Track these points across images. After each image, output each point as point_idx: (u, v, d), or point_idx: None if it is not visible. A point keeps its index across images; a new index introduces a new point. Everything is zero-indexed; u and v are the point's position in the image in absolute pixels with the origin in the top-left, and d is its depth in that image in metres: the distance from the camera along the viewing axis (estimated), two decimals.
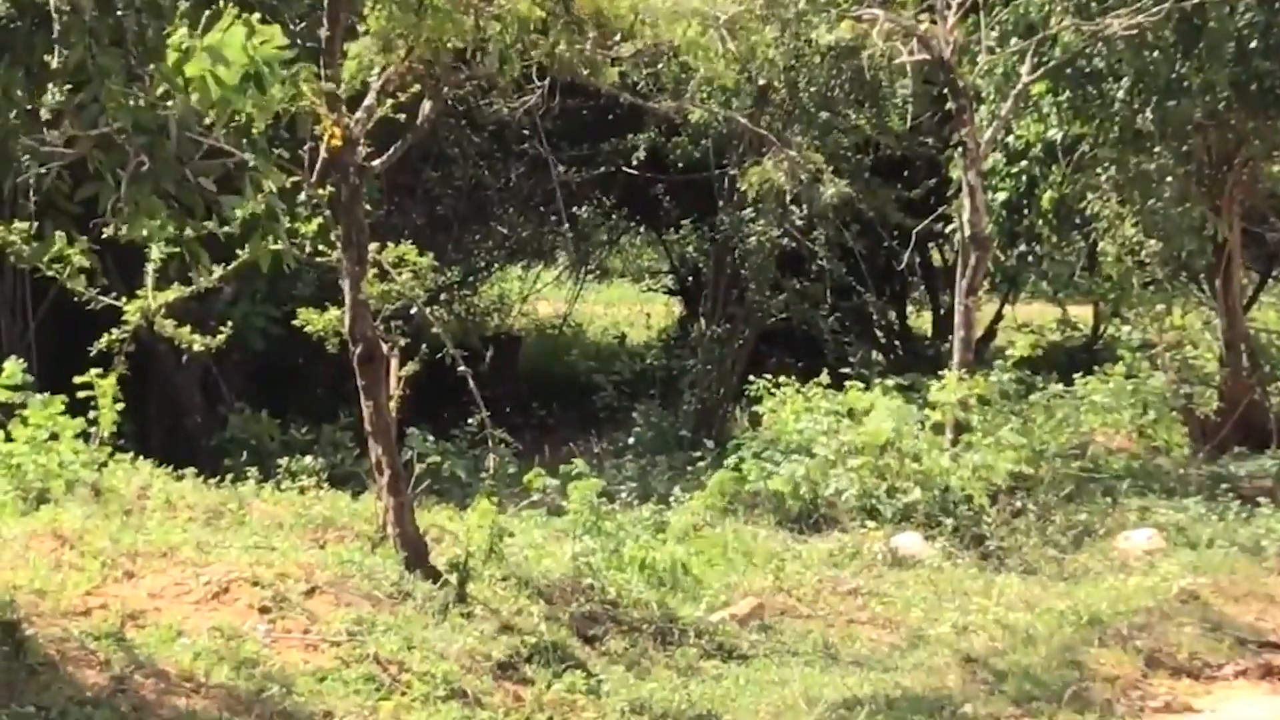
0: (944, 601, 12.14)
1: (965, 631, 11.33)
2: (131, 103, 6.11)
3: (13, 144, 6.20)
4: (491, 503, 10.78)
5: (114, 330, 12.56)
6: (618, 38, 12.21)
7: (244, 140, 6.97)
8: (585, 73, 12.37)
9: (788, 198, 19.42)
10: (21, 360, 12.86)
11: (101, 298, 12.46)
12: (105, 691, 7.73)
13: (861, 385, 16.13)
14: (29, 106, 6.42)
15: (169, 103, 6.28)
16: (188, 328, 12.76)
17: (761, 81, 18.81)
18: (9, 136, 6.18)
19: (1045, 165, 18.12)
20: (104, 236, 7.09)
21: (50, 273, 12.08)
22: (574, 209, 26.43)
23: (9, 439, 12.04)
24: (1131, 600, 11.98)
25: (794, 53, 18.83)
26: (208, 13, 6.97)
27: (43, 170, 6.60)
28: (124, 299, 12.67)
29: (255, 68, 6.59)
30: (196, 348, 12.78)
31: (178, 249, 7.15)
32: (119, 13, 6.09)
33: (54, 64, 6.19)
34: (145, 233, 6.78)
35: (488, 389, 12.32)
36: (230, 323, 13.94)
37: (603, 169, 24.52)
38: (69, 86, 6.29)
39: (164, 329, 12.54)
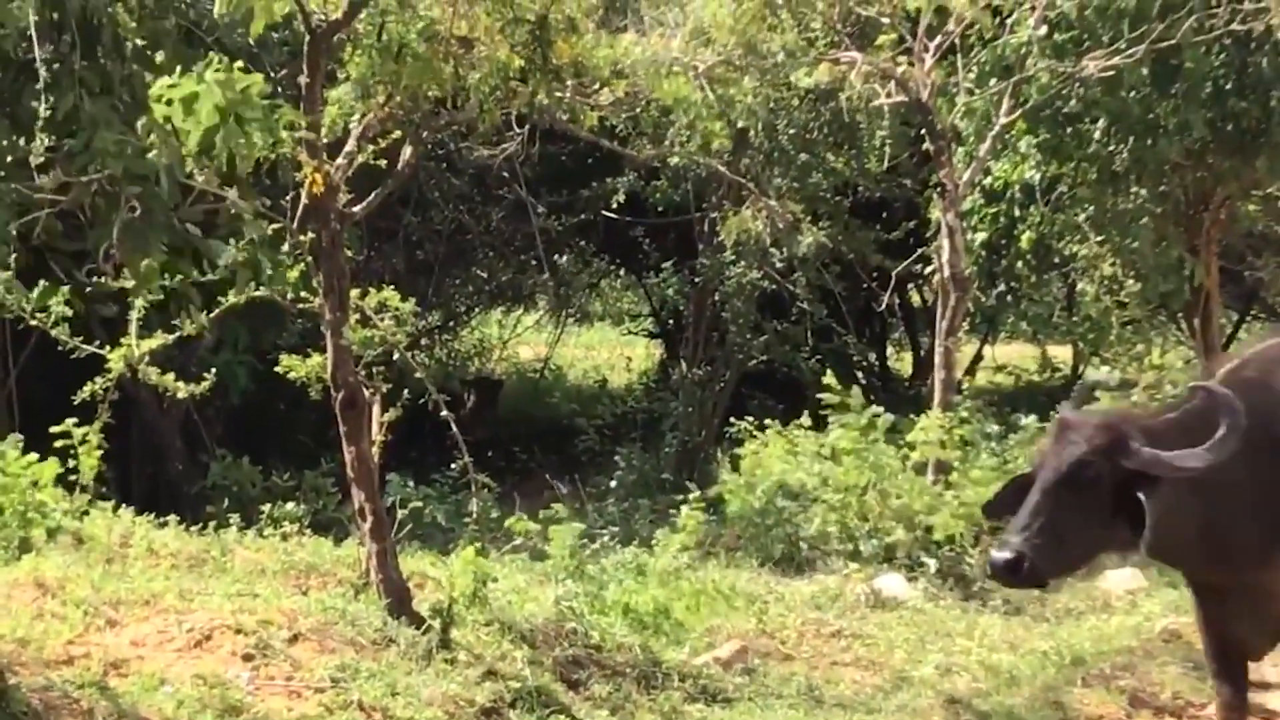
0: (927, 643, 12.14)
1: (948, 673, 11.33)
2: (123, 149, 6.16)
3: (3, 190, 6.24)
4: (475, 548, 10.78)
5: (97, 379, 12.56)
6: (596, 85, 12.26)
7: (227, 184, 7.03)
8: (565, 118, 12.43)
9: (768, 241, 19.50)
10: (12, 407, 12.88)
11: (85, 346, 12.45)
12: None
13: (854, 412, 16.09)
14: (20, 154, 6.46)
15: (153, 151, 6.32)
16: (171, 375, 12.76)
17: (741, 124, 18.86)
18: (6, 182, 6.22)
19: (1024, 206, 18.17)
20: (89, 290, 7.12)
21: (34, 322, 12.08)
22: (555, 257, 26.53)
23: None
24: (1114, 640, 12.00)
25: (772, 98, 18.90)
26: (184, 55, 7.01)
27: (24, 220, 6.63)
28: (106, 347, 12.66)
29: (238, 108, 6.64)
30: (180, 394, 12.76)
31: (163, 296, 7.19)
32: (104, 62, 6.14)
33: (41, 111, 6.22)
34: (135, 280, 6.82)
35: (468, 433, 12.32)
36: (212, 370, 13.93)
37: (583, 215, 24.63)
38: (58, 135, 6.33)
39: (148, 376, 12.53)
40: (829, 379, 15.91)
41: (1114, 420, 7.68)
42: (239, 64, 7.39)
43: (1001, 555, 7.45)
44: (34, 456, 12.23)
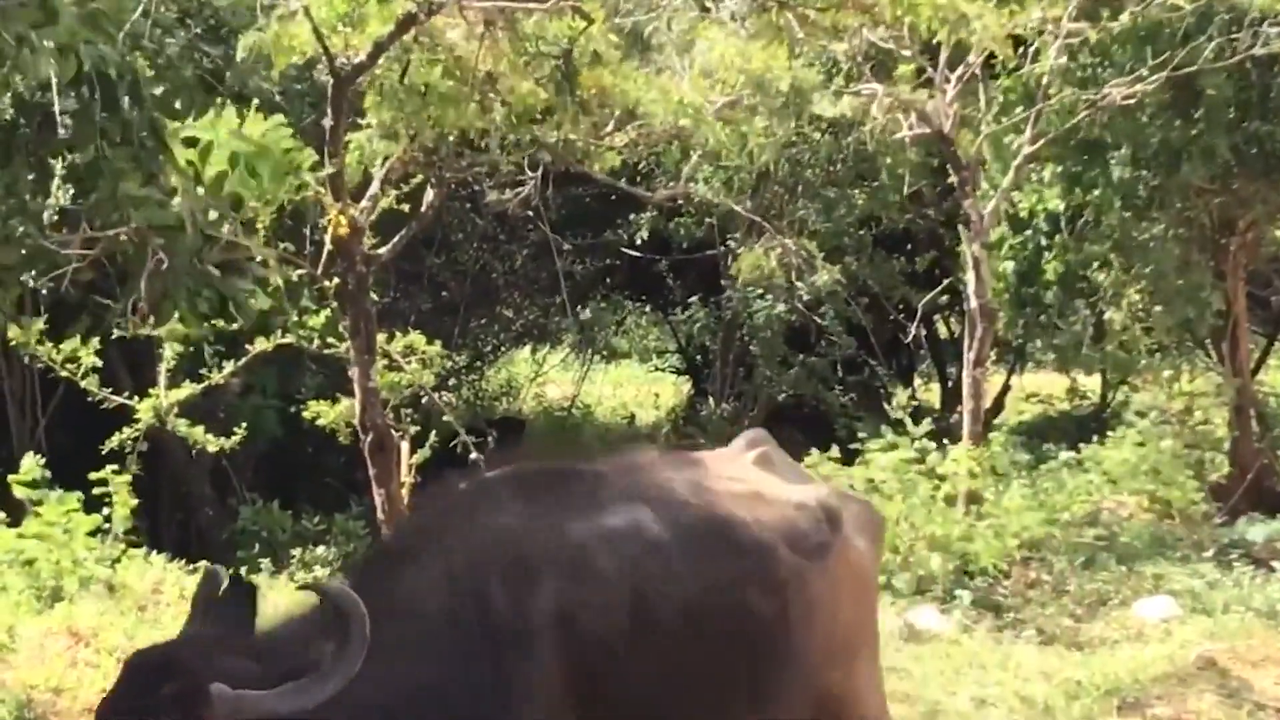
0: (961, 675, 12.07)
1: (983, 705, 11.27)
2: (147, 198, 6.16)
3: (30, 243, 6.24)
4: None
5: (125, 429, 12.59)
6: (610, 126, 12.28)
7: (250, 232, 7.05)
8: (579, 162, 12.45)
9: (782, 278, 19.49)
10: (40, 456, 12.92)
11: (114, 397, 12.50)
12: None
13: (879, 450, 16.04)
14: (43, 207, 6.47)
15: (176, 199, 6.33)
16: (201, 427, 12.79)
17: (764, 158, 18.88)
18: (23, 236, 6.22)
19: (1049, 235, 18.14)
20: (114, 336, 7.13)
21: (64, 373, 12.14)
22: (579, 303, 26.53)
23: (23, 536, 12.08)
24: (1149, 668, 11.93)
25: (793, 132, 18.91)
26: (204, 102, 7.04)
27: (53, 275, 6.64)
28: (133, 396, 12.71)
29: (254, 153, 6.67)
30: (211, 448, 12.80)
31: (188, 345, 7.22)
32: (127, 112, 6.13)
33: (58, 167, 6.23)
34: (160, 330, 6.84)
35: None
36: (240, 417, 13.97)
37: (608, 261, 24.72)
38: (80, 187, 6.34)
39: (177, 428, 12.56)
40: (898, 408, 15.87)
41: (184, 659, 5.38)
42: (255, 104, 7.41)
43: None
44: (73, 505, 12.27)
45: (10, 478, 12.68)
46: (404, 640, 5.62)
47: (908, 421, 15.67)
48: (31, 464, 12.59)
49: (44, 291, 6.82)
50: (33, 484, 12.55)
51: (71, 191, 6.48)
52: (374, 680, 5.36)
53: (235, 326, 7.49)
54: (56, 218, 6.50)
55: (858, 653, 7.14)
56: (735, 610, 6.37)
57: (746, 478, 6.96)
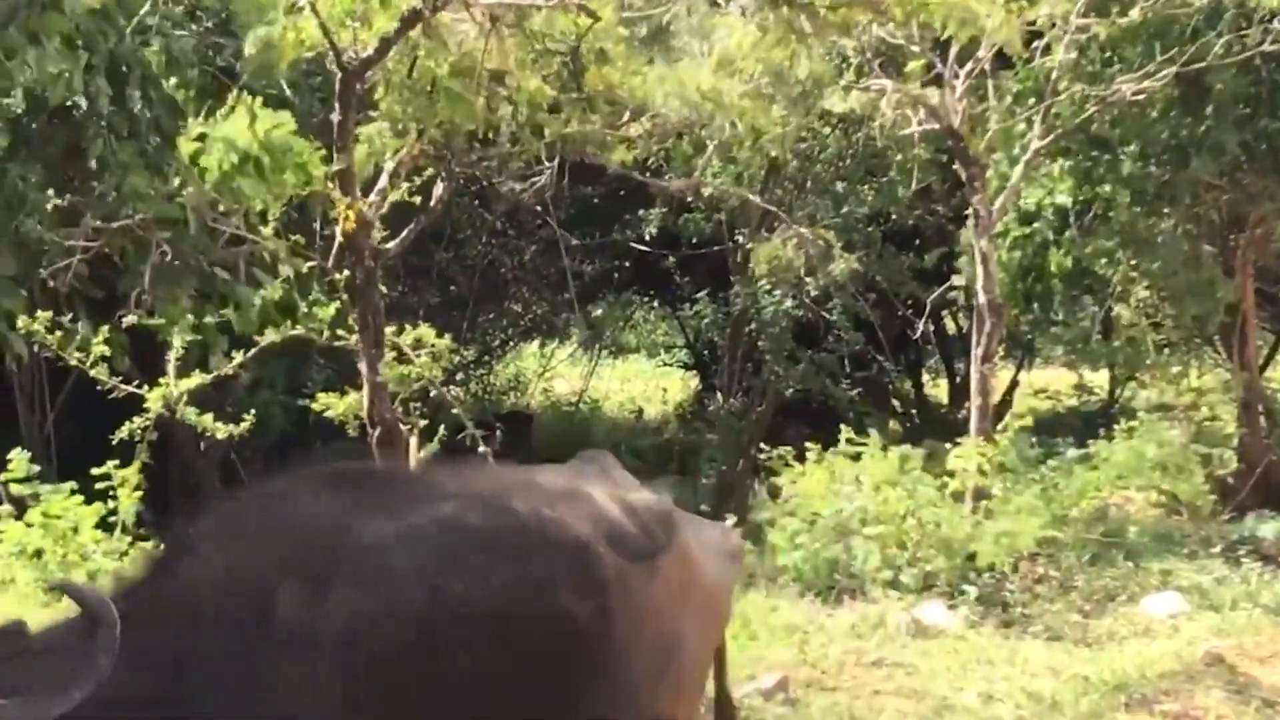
0: (968, 671, 12.07)
1: (990, 700, 11.26)
2: (153, 193, 6.16)
3: (36, 235, 6.25)
4: None
5: (134, 418, 12.60)
6: (625, 117, 12.28)
7: (261, 223, 7.07)
8: (594, 152, 12.45)
9: (800, 269, 19.50)
10: (27, 452, 12.89)
11: (123, 386, 12.51)
12: None
13: (882, 450, 16.06)
14: (55, 202, 6.48)
15: (185, 191, 6.34)
16: (210, 415, 12.80)
17: (774, 154, 18.88)
18: (29, 235, 6.24)
19: (1056, 229, 18.12)
20: (124, 325, 7.13)
21: (74, 362, 12.14)
22: (588, 299, 26.53)
23: (30, 525, 12.09)
24: (1157, 665, 11.92)
25: (804, 126, 18.91)
26: (210, 101, 7.05)
27: (54, 268, 6.65)
28: (143, 386, 12.73)
29: (263, 151, 6.68)
30: (220, 435, 12.80)
31: (198, 336, 7.21)
32: (135, 108, 6.14)
33: (73, 158, 6.25)
34: (165, 320, 6.84)
35: None
36: (249, 410, 13.97)
37: (618, 261, 24.73)
38: (87, 180, 6.36)
39: (186, 417, 12.57)
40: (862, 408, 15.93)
41: None
42: (263, 100, 7.44)
43: None
44: (79, 499, 12.27)
45: (3, 475, 12.70)
46: (176, 644, 5.13)
47: (874, 433, 15.72)
48: (21, 460, 12.56)
49: (63, 288, 6.83)
50: (25, 479, 12.55)
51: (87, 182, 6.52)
52: (133, 687, 4.92)
53: (239, 316, 7.50)
54: (66, 208, 6.53)
55: (690, 673, 6.66)
56: (547, 612, 5.74)
57: (572, 482, 6.47)
